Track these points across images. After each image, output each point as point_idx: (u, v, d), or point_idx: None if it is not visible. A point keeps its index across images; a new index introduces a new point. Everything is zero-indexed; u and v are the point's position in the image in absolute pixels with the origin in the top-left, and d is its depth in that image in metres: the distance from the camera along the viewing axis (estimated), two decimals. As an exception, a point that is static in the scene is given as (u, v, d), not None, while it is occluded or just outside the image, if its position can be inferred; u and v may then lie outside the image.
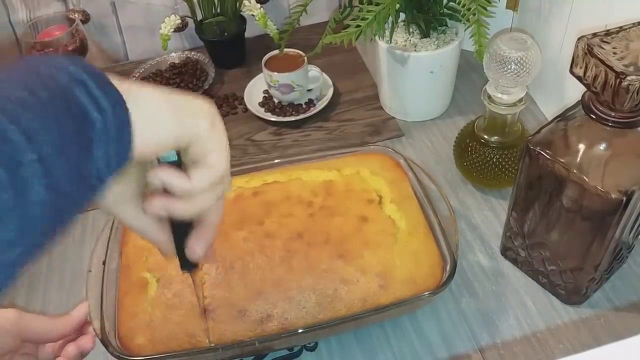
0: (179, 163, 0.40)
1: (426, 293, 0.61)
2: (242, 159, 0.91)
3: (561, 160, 0.57)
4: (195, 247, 0.44)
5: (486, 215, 0.78)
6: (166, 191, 0.40)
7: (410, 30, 0.89)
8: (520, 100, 0.70)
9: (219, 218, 0.45)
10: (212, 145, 0.40)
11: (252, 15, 0.99)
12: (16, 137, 0.29)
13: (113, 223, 0.69)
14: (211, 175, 0.40)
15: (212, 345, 0.59)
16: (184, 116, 0.38)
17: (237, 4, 1.02)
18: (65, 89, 0.33)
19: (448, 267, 0.63)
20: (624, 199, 0.53)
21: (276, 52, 0.97)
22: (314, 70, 0.98)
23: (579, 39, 0.51)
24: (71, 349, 0.54)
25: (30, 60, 0.36)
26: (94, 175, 0.34)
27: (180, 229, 0.44)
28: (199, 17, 1.06)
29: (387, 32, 0.85)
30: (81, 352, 0.54)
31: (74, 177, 0.32)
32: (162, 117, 0.37)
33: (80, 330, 0.56)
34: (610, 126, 0.53)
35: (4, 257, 0.29)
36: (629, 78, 0.48)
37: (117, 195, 0.41)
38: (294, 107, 0.97)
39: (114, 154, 0.35)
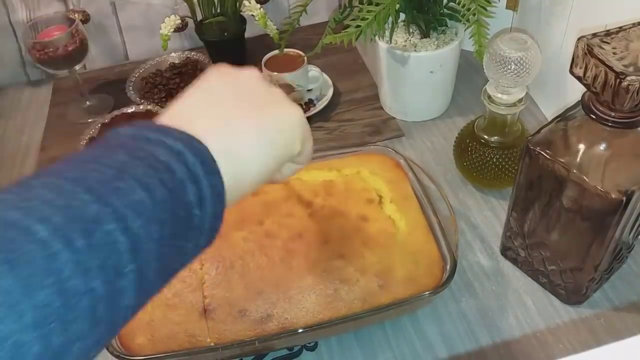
0: None
1: (426, 293, 0.61)
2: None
3: (561, 160, 0.57)
4: None
5: (486, 215, 0.78)
6: None
7: (410, 30, 0.89)
8: (520, 100, 0.70)
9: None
10: (303, 146, 0.45)
11: (252, 15, 0.99)
12: (124, 249, 0.29)
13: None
14: (298, 167, 0.48)
15: (212, 344, 0.59)
16: (285, 157, 0.43)
17: (237, 4, 1.02)
18: (179, 187, 0.33)
19: (448, 267, 0.63)
20: (624, 199, 0.53)
21: (276, 52, 0.97)
22: (313, 70, 0.98)
23: (578, 39, 0.51)
24: None
25: (151, 134, 0.35)
26: (183, 264, 0.36)
27: None
28: (199, 17, 1.06)
29: (387, 32, 0.85)
30: None
31: (164, 275, 0.34)
32: (266, 172, 0.41)
33: None
34: (610, 126, 0.53)
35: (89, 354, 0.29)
36: (629, 78, 0.48)
37: None
38: (294, 107, 0.97)
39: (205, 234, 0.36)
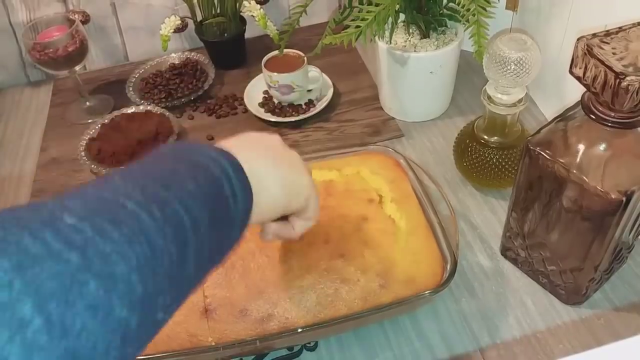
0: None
1: (427, 292, 0.61)
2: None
3: (561, 160, 0.57)
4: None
5: (486, 216, 0.78)
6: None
7: (410, 30, 0.89)
8: (520, 100, 0.70)
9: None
10: (309, 204, 0.53)
11: (252, 16, 0.99)
12: (188, 225, 0.36)
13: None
14: (308, 223, 0.56)
15: (213, 344, 0.60)
16: (292, 196, 0.50)
17: (237, 4, 1.02)
18: (217, 182, 0.41)
19: (448, 267, 0.63)
20: (624, 199, 0.53)
21: (276, 52, 0.97)
22: (313, 71, 0.98)
23: (578, 39, 0.51)
24: None
25: (190, 146, 0.44)
26: (223, 254, 0.43)
27: None
28: (199, 17, 1.06)
29: (387, 33, 0.86)
30: None
31: (212, 258, 0.41)
32: (277, 200, 0.49)
33: None
34: (610, 126, 0.53)
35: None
36: (628, 78, 0.48)
37: None
38: (294, 108, 0.97)
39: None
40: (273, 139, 0.53)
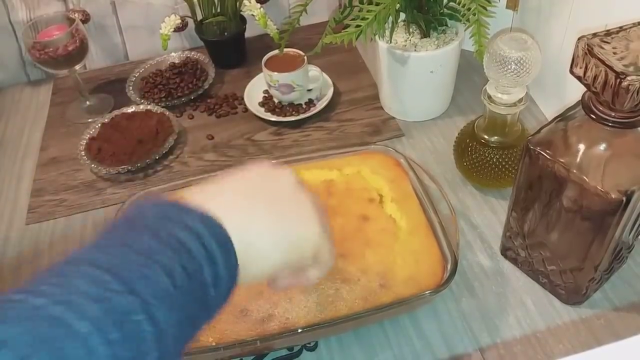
0: None
1: (427, 292, 0.61)
2: (242, 159, 0.91)
3: (561, 160, 0.57)
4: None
5: (486, 215, 0.78)
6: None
7: (411, 30, 0.89)
8: (520, 100, 0.70)
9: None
10: (320, 255, 0.48)
11: (252, 15, 0.99)
12: (150, 337, 0.32)
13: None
14: (323, 270, 0.50)
15: (214, 344, 0.60)
16: (293, 255, 0.45)
17: (237, 4, 1.02)
18: (197, 270, 0.36)
19: (449, 266, 0.63)
20: (624, 199, 0.53)
21: (276, 52, 0.97)
22: (314, 70, 0.98)
23: (579, 39, 0.51)
24: None
25: (173, 214, 0.39)
26: (193, 335, 0.39)
27: None
28: (199, 17, 1.06)
29: (387, 32, 0.85)
30: None
31: (179, 349, 0.36)
32: (272, 264, 0.43)
33: None
34: (610, 126, 0.53)
35: None
36: (629, 78, 0.48)
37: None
38: (294, 107, 0.97)
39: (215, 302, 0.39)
40: (283, 181, 0.47)
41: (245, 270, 0.40)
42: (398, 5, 0.81)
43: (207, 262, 0.37)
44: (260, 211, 0.43)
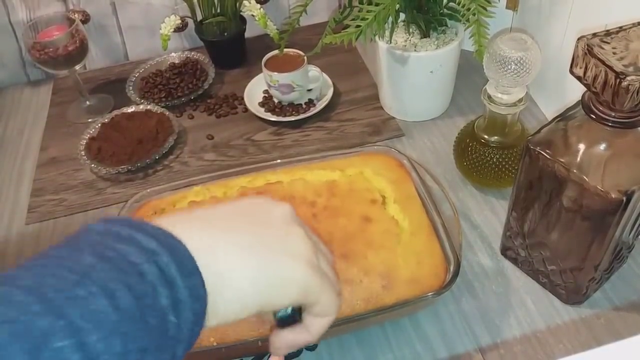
0: (295, 312, 0.42)
1: (430, 294, 0.61)
2: (242, 159, 0.91)
3: (561, 160, 0.57)
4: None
5: (486, 215, 0.78)
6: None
7: (410, 30, 0.89)
8: (520, 100, 0.70)
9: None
10: (315, 300, 0.41)
11: (252, 15, 0.99)
12: None
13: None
14: (326, 322, 0.43)
15: (215, 344, 0.59)
16: (272, 291, 0.38)
17: (237, 4, 1.02)
18: (149, 293, 0.31)
19: (452, 268, 0.63)
20: (624, 199, 0.53)
21: (276, 52, 0.97)
22: (313, 70, 0.98)
23: (579, 39, 0.51)
24: None
25: (123, 230, 0.33)
26: None
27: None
28: (199, 17, 1.06)
29: (387, 32, 0.86)
30: None
31: None
32: (246, 298, 0.37)
33: None
34: (610, 126, 0.53)
35: None
36: (629, 78, 0.48)
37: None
38: (294, 107, 0.97)
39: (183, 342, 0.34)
40: (274, 212, 0.42)
41: (215, 296, 0.34)
42: (398, 6, 0.81)
43: (162, 284, 0.31)
44: (236, 233, 0.38)
